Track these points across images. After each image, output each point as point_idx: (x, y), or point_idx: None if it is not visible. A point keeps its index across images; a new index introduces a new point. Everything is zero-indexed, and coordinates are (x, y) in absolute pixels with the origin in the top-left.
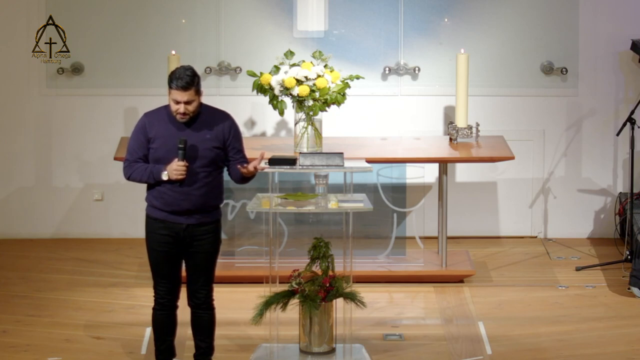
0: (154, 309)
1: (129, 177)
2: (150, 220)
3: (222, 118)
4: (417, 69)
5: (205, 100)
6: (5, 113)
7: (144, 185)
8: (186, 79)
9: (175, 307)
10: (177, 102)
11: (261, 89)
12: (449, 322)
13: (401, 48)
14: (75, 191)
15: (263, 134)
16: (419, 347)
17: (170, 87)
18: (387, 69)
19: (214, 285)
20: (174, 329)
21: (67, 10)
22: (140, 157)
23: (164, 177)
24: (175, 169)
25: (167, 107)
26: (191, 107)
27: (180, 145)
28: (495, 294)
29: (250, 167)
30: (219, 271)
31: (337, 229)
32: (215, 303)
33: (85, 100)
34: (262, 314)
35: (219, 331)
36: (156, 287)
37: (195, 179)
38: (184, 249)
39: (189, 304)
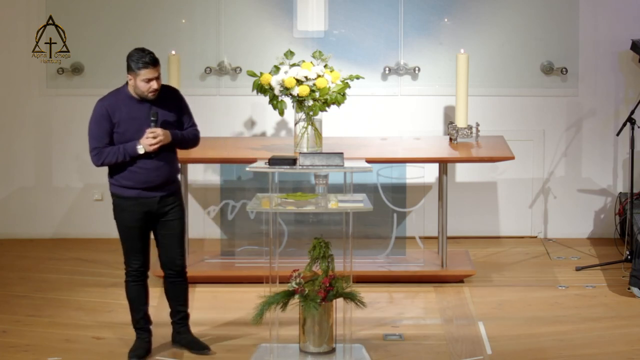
0: (127, 282)
1: (102, 163)
2: (120, 200)
3: (173, 92)
4: (417, 69)
5: (206, 100)
6: (5, 113)
7: None
8: (151, 56)
9: (147, 276)
10: (149, 80)
11: (261, 89)
12: (449, 322)
13: (401, 48)
14: (75, 191)
15: (263, 134)
16: (419, 347)
17: (138, 69)
18: (387, 69)
19: None
20: (147, 298)
21: (67, 10)
22: (108, 143)
23: (140, 150)
24: (151, 143)
25: (122, 90)
26: (160, 82)
27: (153, 119)
28: (495, 294)
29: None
30: (219, 271)
31: (337, 229)
32: (214, 301)
33: (85, 100)
34: (262, 314)
35: (219, 331)
36: (130, 262)
37: (164, 153)
38: (156, 221)
39: (166, 274)
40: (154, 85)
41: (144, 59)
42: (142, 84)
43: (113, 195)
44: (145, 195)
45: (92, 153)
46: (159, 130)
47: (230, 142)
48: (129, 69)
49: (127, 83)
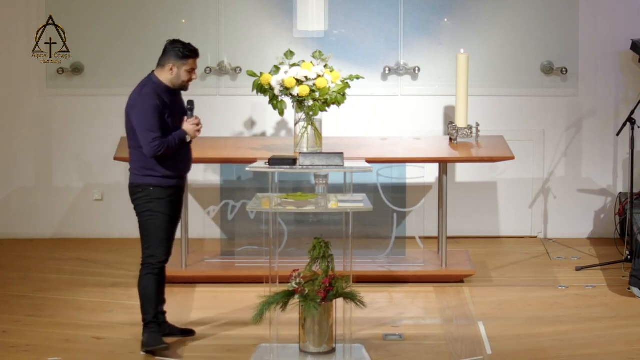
0: (147, 275)
1: (162, 152)
2: (161, 190)
3: None
4: (417, 69)
5: (206, 100)
6: (5, 113)
7: None
8: (193, 46)
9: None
10: (192, 70)
11: (261, 89)
12: (449, 322)
13: (401, 48)
14: (75, 191)
15: (263, 134)
16: (419, 347)
17: (185, 58)
18: (387, 69)
19: None
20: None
21: (67, 10)
22: (163, 134)
23: (188, 139)
24: (197, 129)
25: (155, 81)
26: None
27: (190, 107)
28: (495, 294)
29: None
30: (219, 271)
31: (337, 229)
32: (214, 301)
33: (85, 100)
34: (262, 314)
35: (219, 331)
36: (157, 253)
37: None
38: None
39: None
40: (195, 75)
41: (190, 47)
42: (185, 73)
43: (150, 186)
44: (180, 184)
45: (154, 143)
46: (199, 118)
47: (230, 142)
48: (172, 58)
49: (152, 75)
